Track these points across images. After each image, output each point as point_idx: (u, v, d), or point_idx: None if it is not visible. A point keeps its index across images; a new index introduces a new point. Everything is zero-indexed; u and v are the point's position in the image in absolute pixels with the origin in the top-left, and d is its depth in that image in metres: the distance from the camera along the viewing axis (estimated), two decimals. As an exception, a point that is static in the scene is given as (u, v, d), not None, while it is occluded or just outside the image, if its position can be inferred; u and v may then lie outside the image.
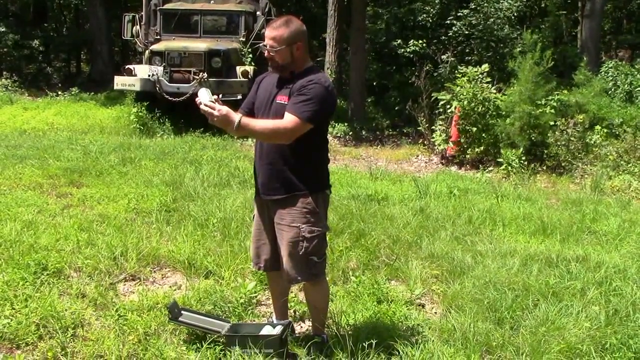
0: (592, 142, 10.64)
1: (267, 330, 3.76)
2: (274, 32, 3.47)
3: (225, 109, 3.31)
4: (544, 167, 10.52)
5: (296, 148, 3.48)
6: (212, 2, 14.82)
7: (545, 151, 10.74)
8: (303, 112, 3.38)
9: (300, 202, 3.52)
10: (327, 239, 3.77)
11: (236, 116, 3.34)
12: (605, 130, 11.01)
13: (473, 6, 16.41)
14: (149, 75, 12.89)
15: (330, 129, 12.93)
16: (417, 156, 12.30)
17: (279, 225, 3.58)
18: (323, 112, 3.48)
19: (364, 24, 16.10)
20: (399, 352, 3.67)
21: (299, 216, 3.52)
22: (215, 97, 3.41)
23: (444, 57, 15.45)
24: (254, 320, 4.26)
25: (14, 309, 4.07)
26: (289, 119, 3.39)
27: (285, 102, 3.47)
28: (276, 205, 3.58)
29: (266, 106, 3.58)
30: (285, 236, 3.54)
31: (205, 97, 3.34)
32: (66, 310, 4.12)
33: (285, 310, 4.07)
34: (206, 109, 3.29)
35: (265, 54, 3.54)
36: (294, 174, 3.52)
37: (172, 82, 12.92)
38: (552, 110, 10.80)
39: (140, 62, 15.04)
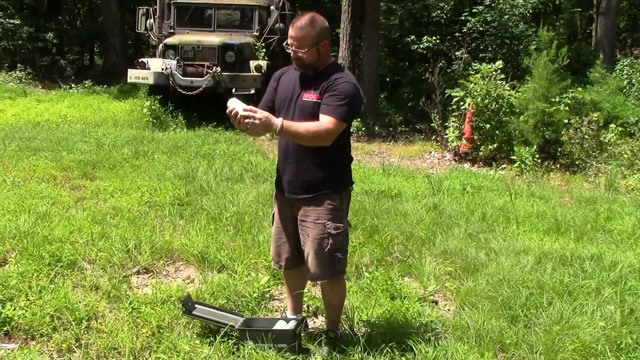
0: (607, 140, 10.54)
1: (280, 325, 3.77)
2: (301, 32, 3.38)
3: (265, 113, 3.24)
4: (558, 165, 10.44)
5: (323, 147, 3.43)
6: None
7: (559, 149, 10.66)
8: (339, 113, 3.35)
9: (325, 199, 3.51)
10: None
11: (277, 120, 3.27)
12: (620, 129, 10.90)
13: (488, 3, 16.31)
14: (162, 69, 12.91)
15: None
16: (430, 153, 12.25)
17: (303, 222, 3.55)
18: (355, 111, 3.47)
19: (378, 19, 16.04)
20: (412, 349, 3.66)
21: (324, 213, 3.50)
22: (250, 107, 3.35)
23: (457, 53, 15.38)
24: (267, 315, 4.26)
25: (28, 300, 4.09)
26: (327, 120, 3.35)
27: (314, 100, 3.41)
28: (301, 203, 3.55)
29: (290, 104, 3.51)
30: (311, 233, 3.51)
31: (239, 106, 3.26)
32: (80, 302, 4.14)
33: (299, 307, 4.06)
34: (246, 113, 3.18)
35: (292, 54, 3.43)
36: (320, 173, 3.49)
37: (185, 76, 12.94)
38: (567, 108, 10.70)
39: (153, 56, 15.09)
